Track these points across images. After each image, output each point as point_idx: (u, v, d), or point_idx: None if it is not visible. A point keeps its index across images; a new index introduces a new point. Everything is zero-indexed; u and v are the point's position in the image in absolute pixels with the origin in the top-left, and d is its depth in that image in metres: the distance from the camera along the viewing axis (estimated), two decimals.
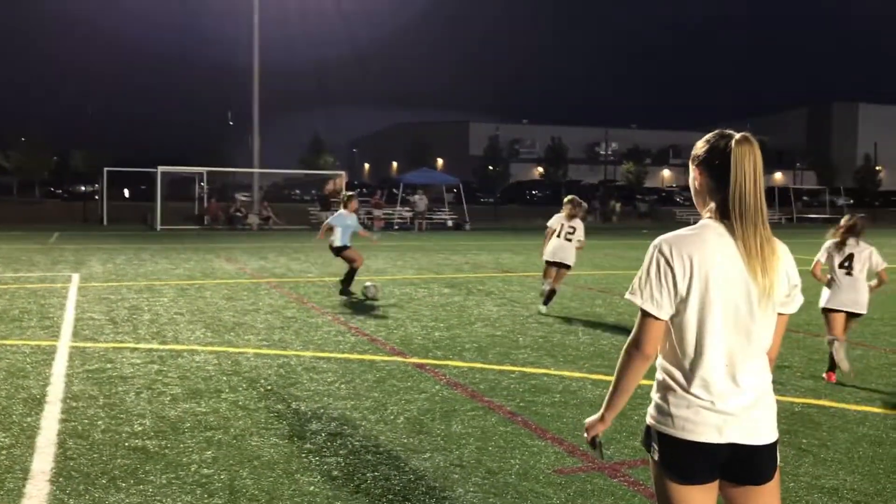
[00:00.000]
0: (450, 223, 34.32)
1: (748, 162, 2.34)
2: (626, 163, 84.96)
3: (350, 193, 12.85)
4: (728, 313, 2.33)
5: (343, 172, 34.51)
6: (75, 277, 13.80)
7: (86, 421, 5.48)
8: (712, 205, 2.42)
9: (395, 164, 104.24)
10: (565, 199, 10.88)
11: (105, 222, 32.65)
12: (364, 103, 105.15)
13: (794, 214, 47.31)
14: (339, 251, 11.95)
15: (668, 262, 2.35)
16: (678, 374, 2.38)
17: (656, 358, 2.44)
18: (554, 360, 7.62)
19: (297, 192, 54.21)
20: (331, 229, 12.04)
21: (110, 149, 53.93)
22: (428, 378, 6.87)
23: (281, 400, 6.12)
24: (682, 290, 2.34)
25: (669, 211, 48.71)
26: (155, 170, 31.87)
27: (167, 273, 14.85)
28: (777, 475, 2.40)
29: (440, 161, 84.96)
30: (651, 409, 2.43)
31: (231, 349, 8.00)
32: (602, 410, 2.54)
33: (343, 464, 4.69)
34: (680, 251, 2.34)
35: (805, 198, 52.51)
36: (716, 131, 2.44)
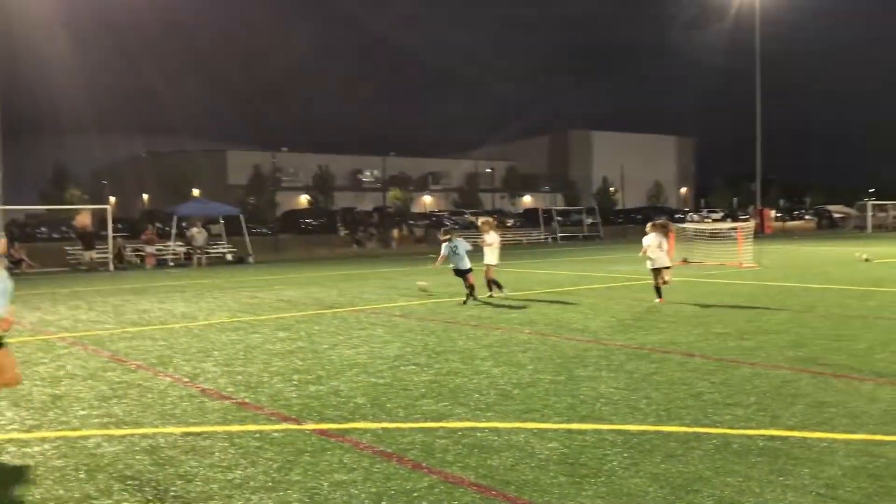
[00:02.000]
0: (229, 257, 32.18)
1: None
2: (393, 189, 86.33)
3: (448, 230, 15.56)
4: None
5: (108, 207, 31.18)
6: None
7: None
8: None
9: (145, 196, 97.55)
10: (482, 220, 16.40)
11: None
12: (104, 130, 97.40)
13: (557, 234, 50.03)
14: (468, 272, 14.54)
15: None
16: None
17: None
18: (468, 409, 6.78)
19: (44, 229, 48.58)
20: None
21: None
22: (345, 448, 5.75)
23: (179, 500, 4.74)
24: None
25: None
26: None
27: None
28: None
29: (196, 191, 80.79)
30: None
31: (69, 433, 6.32)
32: None
33: None
34: None
35: (559, 218, 55.92)
36: None
